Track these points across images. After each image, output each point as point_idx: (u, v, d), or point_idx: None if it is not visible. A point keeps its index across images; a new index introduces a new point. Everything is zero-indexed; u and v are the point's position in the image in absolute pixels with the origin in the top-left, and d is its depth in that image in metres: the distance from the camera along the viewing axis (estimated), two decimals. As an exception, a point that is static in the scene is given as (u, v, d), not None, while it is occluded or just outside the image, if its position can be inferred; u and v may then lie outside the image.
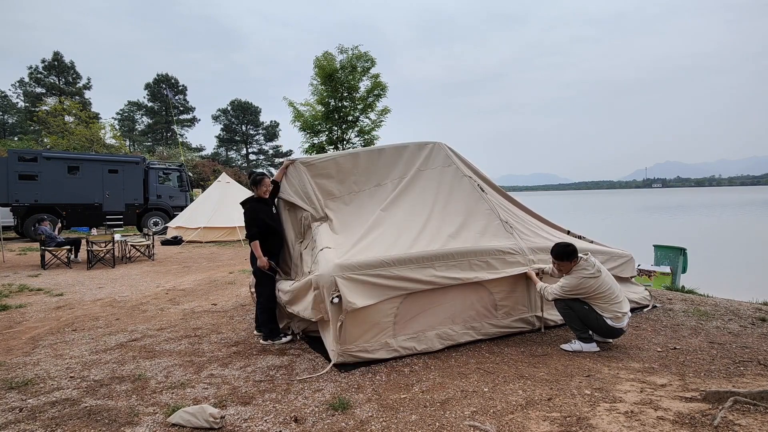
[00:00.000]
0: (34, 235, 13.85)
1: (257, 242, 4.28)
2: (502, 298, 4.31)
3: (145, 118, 55.59)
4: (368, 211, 4.64)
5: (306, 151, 20.63)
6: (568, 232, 5.47)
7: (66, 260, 9.73)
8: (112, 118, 51.01)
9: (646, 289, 5.59)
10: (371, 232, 4.28)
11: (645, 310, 5.22)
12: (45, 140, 32.45)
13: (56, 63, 44.93)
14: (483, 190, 4.95)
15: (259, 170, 5.19)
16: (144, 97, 54.97)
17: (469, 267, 4.11)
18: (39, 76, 44.39)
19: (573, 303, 4.00)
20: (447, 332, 4.04)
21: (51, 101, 39.49)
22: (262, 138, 60.61)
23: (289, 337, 4.37)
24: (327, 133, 20.31)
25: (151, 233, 11.76)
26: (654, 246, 8.22)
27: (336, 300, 3.55)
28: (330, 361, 3.69)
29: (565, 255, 4.03)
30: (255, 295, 4.57)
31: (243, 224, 4.56)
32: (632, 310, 5.14)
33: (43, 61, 44.51)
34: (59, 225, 12.42)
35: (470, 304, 4.18)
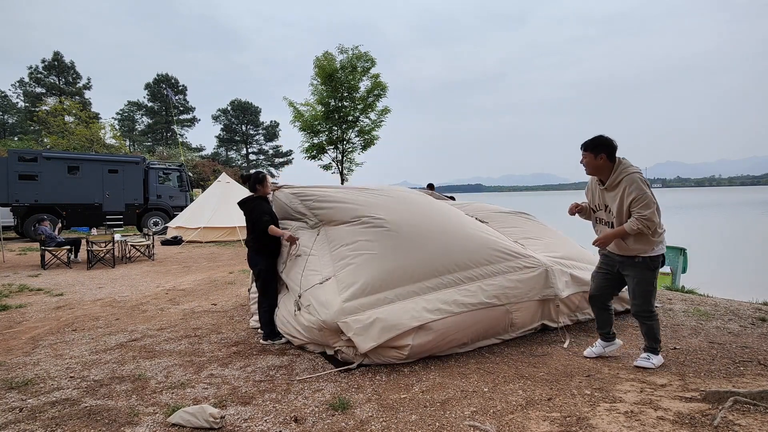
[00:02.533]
0: (34, 235, 13.84)
1: (273, 226, 4.30)
2: (520, 315, 4.12)
3: (145, 118, 55.64)
4: (369, 230, 4.22)
5: (306, 151, 20.63)
6: None
7: (66, 260, 9.72)
8: (112, 118, 51.13)
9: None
10: (373, 251, 3.98)
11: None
12: (45, 140, 32.46)
13: (56, 63, 44.96)
14: (484, 221, 4.99)
15: (257, 170, 5.16)
16: (144, 97, 55.10)
17: (492, 290, 3.92)
18: (39, 76, 44.42)
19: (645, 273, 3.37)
20: (454, 349, 3.91)
21: (51, 101, 39.49)
22: (262, 138, 60.69)
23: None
24: (327, 133, 20.31)
25: (151, 233, 11.75)
26: None
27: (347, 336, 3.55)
28: (329, 361, 3.73)
29: (603, 145, 3.29)
30: (254, 294, 4.56)
31: (243, 224, 4.52)
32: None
33: (43, 61, 44.59)
34: (59, 225, 12.42)
35: (483, 328, 3.96)
